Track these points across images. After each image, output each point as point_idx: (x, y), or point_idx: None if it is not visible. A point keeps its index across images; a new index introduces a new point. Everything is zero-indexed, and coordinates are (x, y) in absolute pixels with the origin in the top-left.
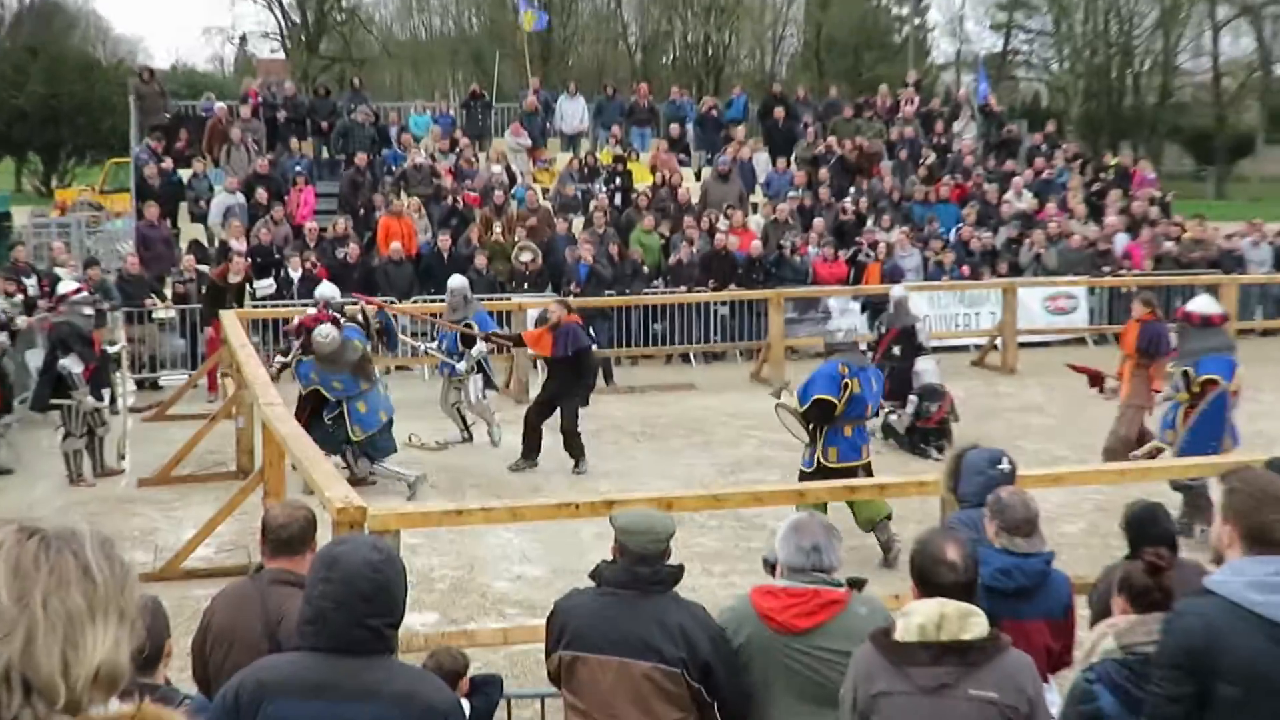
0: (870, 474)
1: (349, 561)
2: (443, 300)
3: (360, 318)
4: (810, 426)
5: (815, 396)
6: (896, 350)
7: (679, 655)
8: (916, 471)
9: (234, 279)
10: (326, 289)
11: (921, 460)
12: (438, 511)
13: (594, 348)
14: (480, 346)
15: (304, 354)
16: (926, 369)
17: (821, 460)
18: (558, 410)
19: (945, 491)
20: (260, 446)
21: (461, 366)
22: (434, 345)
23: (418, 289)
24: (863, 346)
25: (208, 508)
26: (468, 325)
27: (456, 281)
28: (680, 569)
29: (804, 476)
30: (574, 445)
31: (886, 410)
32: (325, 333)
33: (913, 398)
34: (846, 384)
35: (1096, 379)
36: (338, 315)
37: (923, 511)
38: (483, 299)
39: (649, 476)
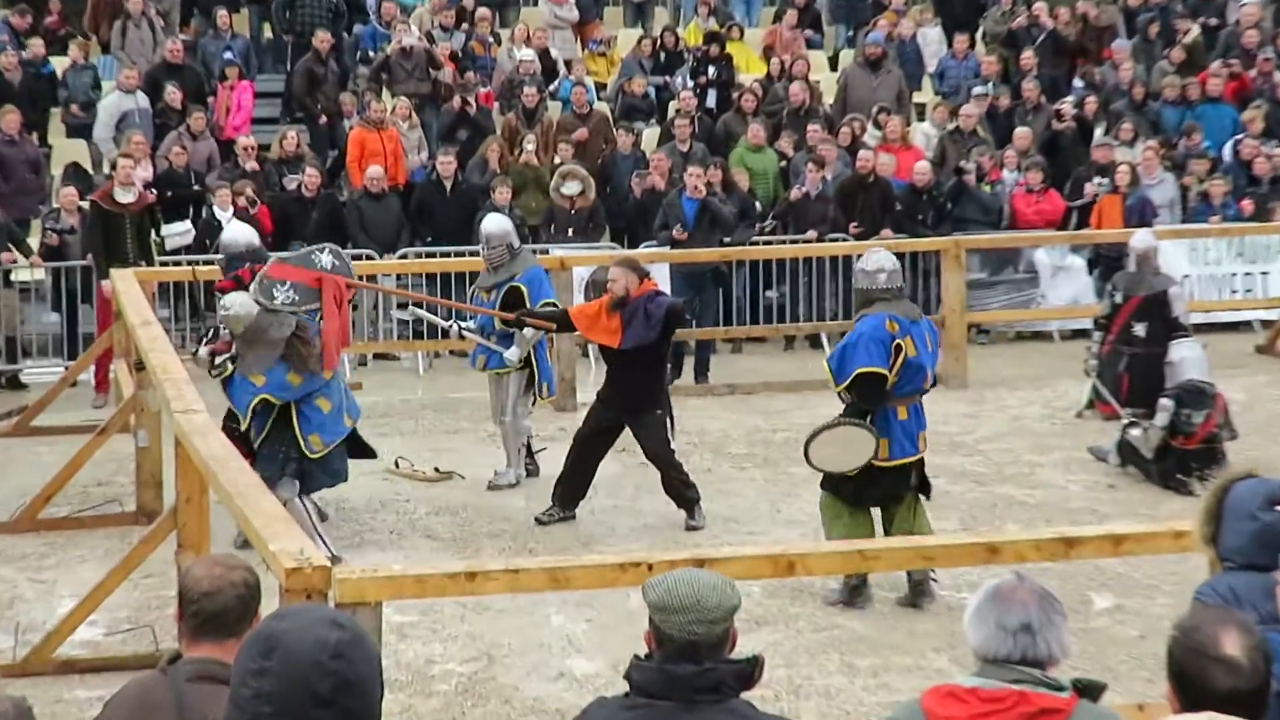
0: (922, 475)
1: (295, 645)
2: (458, 254)
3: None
4: (854, 413)
5: (858, 369)
6: (1140, 329)
7: None
8: (1171, 515)
9: (124, 199)
10: (233, 234)
11: (1179, 497)
12: (440, 575)
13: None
14: (529, 331)
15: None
16: (1187, 358)
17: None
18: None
19: (1201, 543)
20: (172, 475)
21: (511, 355)
22: (469, 324)
23: (406, 237)
24: (1088, 321)
25: (93, 567)
26: (513, 289)
27: (495, 224)
28: (751, 666)
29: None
30: (676, 483)
31: (1125, 421)
32: (230, 303)
33: (1165, 402)
34: (899, 345)
35: None
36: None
37: (1180, 576)
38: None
39: (760, 520)
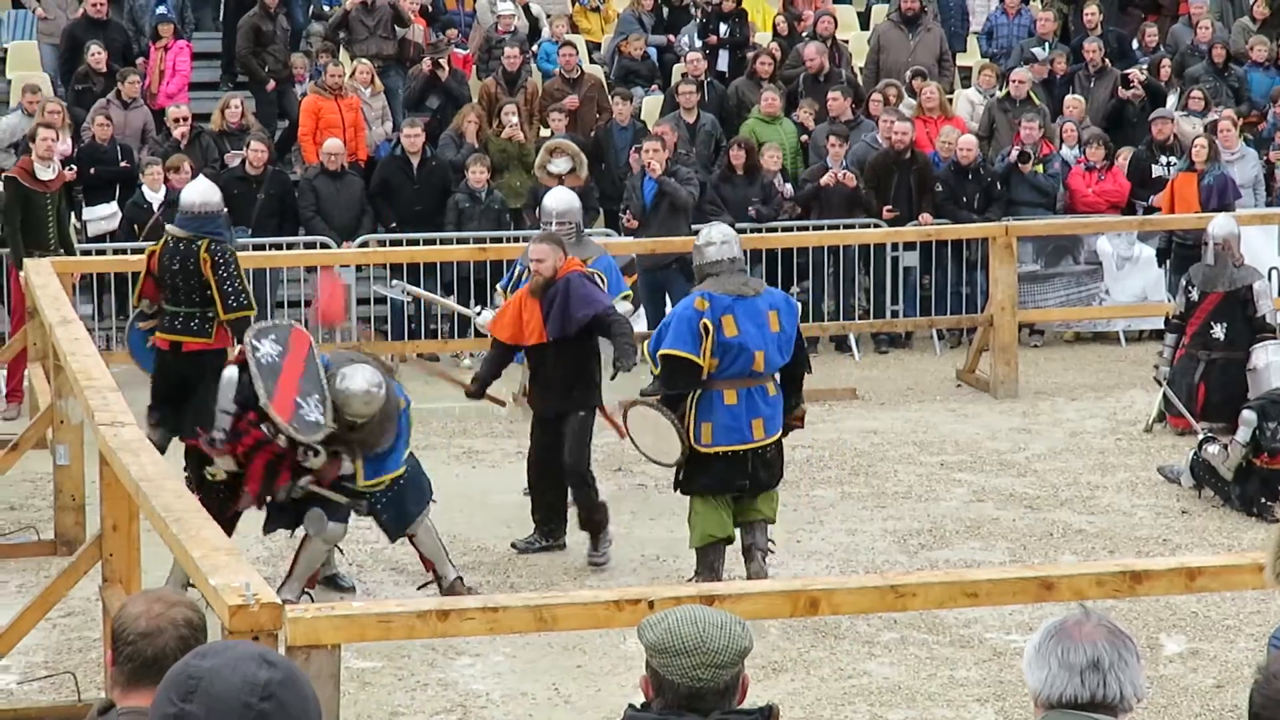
0: (770, 467)
1: (219, 685)
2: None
3: None
4: (669, 397)
5: (663, 351)
6: (1219, 330)
7: None
8: (1253, 545)
9: (44, 175)
10: (193, 194)
11: (1263, 525)
12: (408, 614)
13: (617, 314)
14: (623, 308)
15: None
16: (1273, 364)
17: (693, 444)
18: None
19: (1274, 579)
20: (97, 498)
21: None
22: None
23: (369, 222)
24: (1159, 321)
25: (4, 604)
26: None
27: (562, 200)
28: (765, 717)
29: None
30: (583, 501)
31: (1201, 436)
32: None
33: (1247, 414)
34: (707, 324)
35: None
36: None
37: (1264, 616)
38: (483, 240)
39: (777, 550)
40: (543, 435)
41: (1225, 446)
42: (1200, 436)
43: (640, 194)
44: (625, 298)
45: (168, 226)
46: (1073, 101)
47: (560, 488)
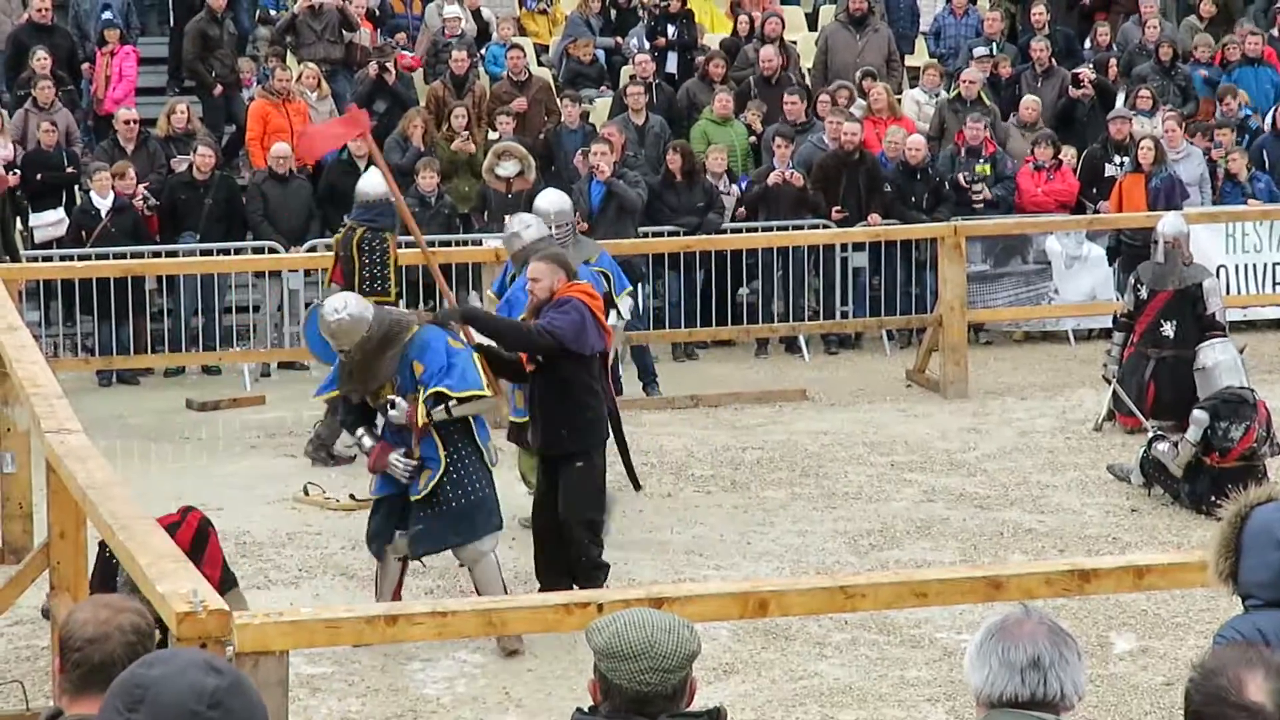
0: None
1: (165, 694)
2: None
3: None
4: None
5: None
6: (1168, 329)
7: None
8: (1202, 544)
9: None
10: (369, 183)
11: (1212, 524)
12: (357, 619)
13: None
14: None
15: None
16: (1221, 362)
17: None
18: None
19: (1218, 579)
20: (44, 505)
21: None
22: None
23: (317, 226)
24: (1108, 320)
25: None
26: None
27: (556, 201)
28: (713, 718)
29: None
30: (580, 550)
31: (1151, 435)
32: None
33: (1199, 414)
34: None
35: None
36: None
37: (1213, 614)
38: (433, 244)
39: (727, 552)
40: (543, 476)
41: (1175, 444)
42: (1150, 435)
43: (588, 196)
44: (629, 294)
45: (346, 217)
46: (1029, 102)
47: (561, 540)
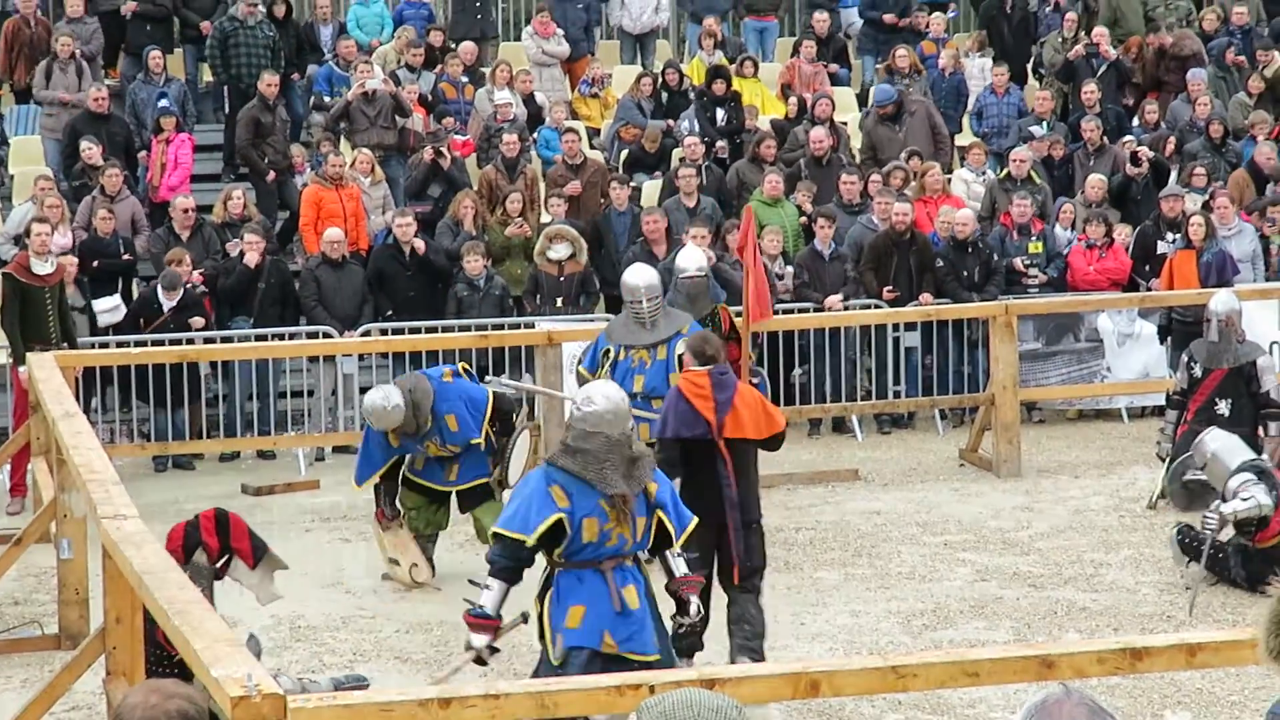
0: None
1: None
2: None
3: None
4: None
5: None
6: (1223, 407)
7: None
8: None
9: (41, 270)
10: (637, 275)
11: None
12: (409, 701)
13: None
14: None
15: None
16: (1223, 447)
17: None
18: None
19: (1268, 658)
20: (100, 592)
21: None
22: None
23: (370, 312)
24: (1161, 398)
25: (9, 699)
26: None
27: (644, 275)
28: None
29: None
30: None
31: (1205, 514)
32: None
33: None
34: None
35: None
36: None
37: (1270, 691)
38: (485, 327)
39: (780, 633)
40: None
41: (1220, 517)
42: (1204, 515)
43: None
44: None
45: None
46: (1095, 181)
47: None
